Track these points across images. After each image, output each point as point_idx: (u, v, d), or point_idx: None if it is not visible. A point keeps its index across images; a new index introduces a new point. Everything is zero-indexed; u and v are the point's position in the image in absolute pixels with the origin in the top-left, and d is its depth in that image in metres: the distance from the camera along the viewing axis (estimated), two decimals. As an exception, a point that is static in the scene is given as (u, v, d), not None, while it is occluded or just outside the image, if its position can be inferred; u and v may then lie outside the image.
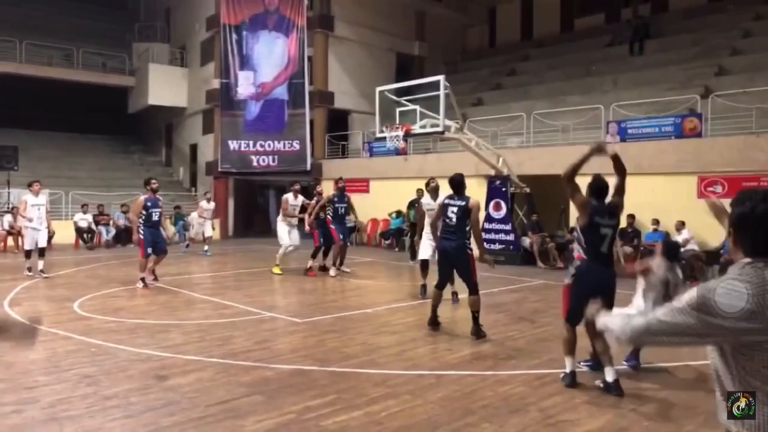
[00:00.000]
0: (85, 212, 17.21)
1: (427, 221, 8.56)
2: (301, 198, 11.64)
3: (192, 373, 5.11)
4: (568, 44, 21.12)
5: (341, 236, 11.15)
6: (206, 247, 14.94)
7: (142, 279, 9.48)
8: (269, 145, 20.31)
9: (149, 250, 9.43)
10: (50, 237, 16.29)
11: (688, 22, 18.41)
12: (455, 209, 6.51)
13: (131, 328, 6.74)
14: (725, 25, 17.07)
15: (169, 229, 16.11)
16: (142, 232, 9.40)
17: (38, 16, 25.02)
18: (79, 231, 16.89)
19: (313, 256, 11.34)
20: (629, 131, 13.03)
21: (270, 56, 20.47)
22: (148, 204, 9.41)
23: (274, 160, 20.32)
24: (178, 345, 6.06)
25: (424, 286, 8.80)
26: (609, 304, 4.48)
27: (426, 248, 8.71)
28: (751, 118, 11.64)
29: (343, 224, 11.34)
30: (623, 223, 12.18)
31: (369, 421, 4.06)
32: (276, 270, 11.32)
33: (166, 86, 23.45)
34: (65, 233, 16.61)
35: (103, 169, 23.13)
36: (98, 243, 16.99)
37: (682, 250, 11.06)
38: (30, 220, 10.55)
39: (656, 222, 11.81)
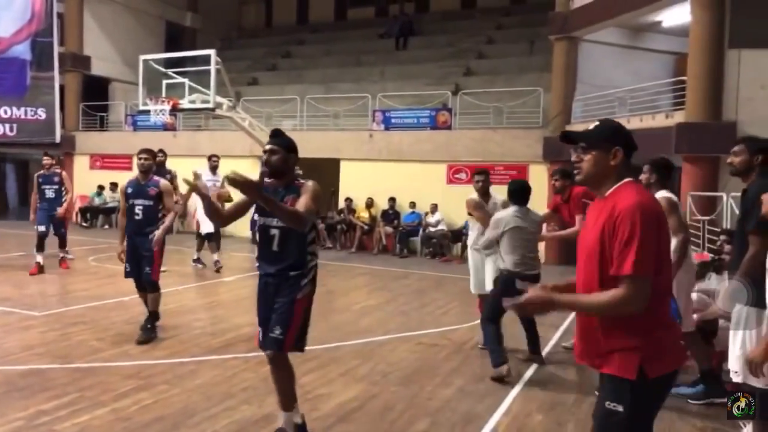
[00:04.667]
0: None
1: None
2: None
3: None
4: (341, 32, 21.82)
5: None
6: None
7: None
8: (5, 112, 17.37)
9: None
10: None
11: (445, 24, 20.34)
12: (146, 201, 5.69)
13: None
14: (473, 31, 19.25)
15: None
16: None
17: None
18: None
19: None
20: (392, 120, 14.06)
21: (8, 8, 17.43)
22: None
23: (12, 129, 17.45)
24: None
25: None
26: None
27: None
28: (489, 115, 13.42)
29: None
30: (385, 205, 13.20)
31: (115, 418, 3.78)
32: None
33: None
34: None
35: None
36: None
37: (432, 230, 12.39)
38: None
39: (413, 204, 12.99)
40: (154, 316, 5.73)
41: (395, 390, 4.54)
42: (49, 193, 9.03)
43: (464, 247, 11.90)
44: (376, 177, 13.53)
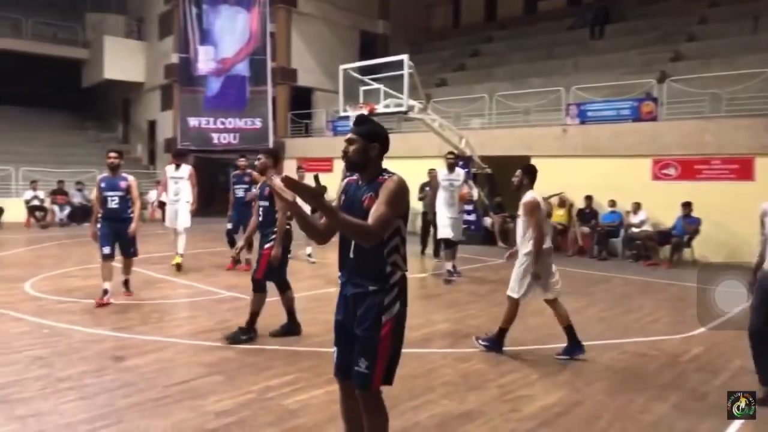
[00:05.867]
0: (35, 189, 16.60)
1: (441, 195, 8.92)
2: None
3: (150, 353, 5.04)
4: (530, 27, 21.25)
5: None
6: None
7: (105, 291, 6.86)
8: (230, 123, 19.92)
9: (106, 249, 6.90)
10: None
11: (647, 7, 18.72)
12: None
13: (86, 309, 6.57)
14: (682, 11, 17.43)
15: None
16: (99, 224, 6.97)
17: (-17, -18, 23.78)
18: (31, 209, 16.31)
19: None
20: (588, 114, 13.28)
21: (231, 31, 19.98)
22: (102, 185, 6.97)
23: (235, 138, 19.96)
24: (135, 326, 5.95)
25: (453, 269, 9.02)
26: None
27: (446, 226, 8.84)
28: (703, 103, 11.99)
29: None
30: (581, 203, 12.50)
31: (330, 400, 4.08)
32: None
33: (122, 60, 22.69)
34: (16, 211, 16.05)
35: (56, 144, 22.31)
36: (51, 221, 16.45)
37: (635, 230, 11.44)
38: None
39: (613, 203, 12.11)
40: (288, 314, 5.77)
41: (601, 399, 4.27)
42: (239, 192, 9.63)
43: (674, 250, 10.81)
44: (570, 174, 12.88)
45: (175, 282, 8.41)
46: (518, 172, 5.46)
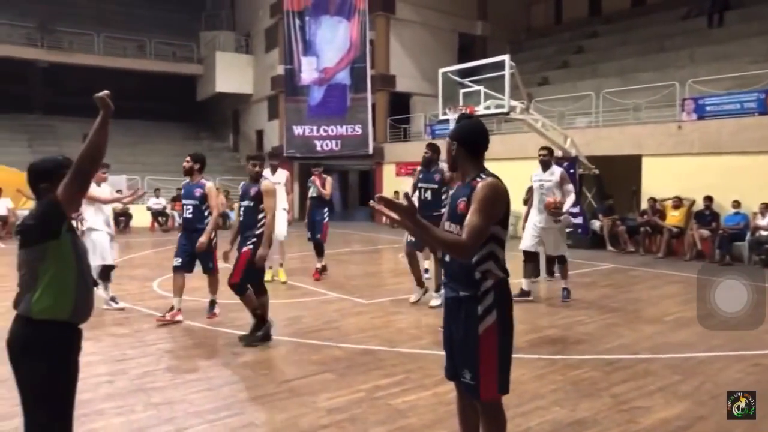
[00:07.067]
0: (158, 197, 18.04)
1: (535, 201, 7.61)
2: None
3: (263, 350, 5.32)
4: (639, 19, 20.19)
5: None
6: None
7: (171, 307, 6.39)
8: (332, 130, 20.58)
9: (176, 261, 6.38)
10: (128, 219, 17.21)
11: (774, -11, 17.17)
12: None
13: (206, 307, 7.02)
14: (815, -9, 15.84)
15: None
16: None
17: (113, 9, 26.25)
18: (155, 214, 17.76)
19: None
20: (708, 108, 12.36)
21: (332, 41, 20.66)
22: (182, 192, 6.62)
23: (337, 145, 20.59)
24: (248, 324, 6.27)
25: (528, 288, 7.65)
26: None
27: (533, 237, 7.57)
28: None
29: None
30: (700, 205, 11.64)
31: (437, 402, 4.11)
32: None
33: (232, 73, 24.14)
34: (142, 217, 17.53)
35: (176, 155, 24.05)
36: (172, 226, 17.80)
37: (764, 234, 10.48)
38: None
39: (737, 204, 11.19)
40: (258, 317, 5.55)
41: (730, 414, 3.96)
42: (312, 193, 9.17)
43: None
44: (686, 173, 12.05)
45: (281, 283, 8.78)
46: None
